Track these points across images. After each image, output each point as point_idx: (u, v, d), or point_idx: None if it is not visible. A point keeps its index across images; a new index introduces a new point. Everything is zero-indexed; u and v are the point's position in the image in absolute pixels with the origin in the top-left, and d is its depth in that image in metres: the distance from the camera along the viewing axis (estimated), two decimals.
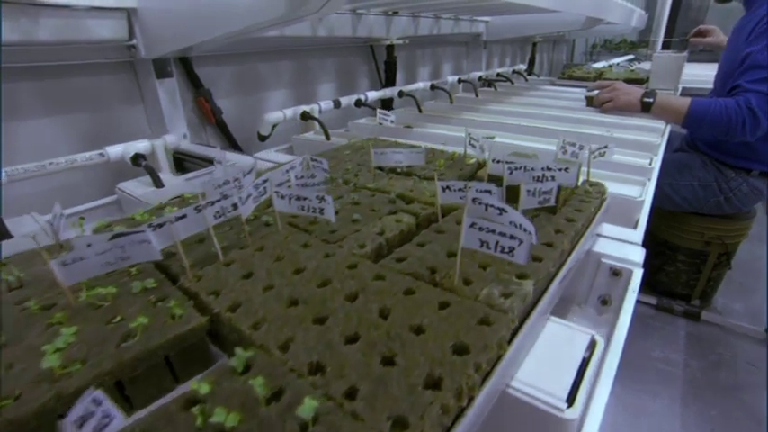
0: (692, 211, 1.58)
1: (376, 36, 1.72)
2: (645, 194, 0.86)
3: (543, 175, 0.61)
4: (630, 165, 0.97)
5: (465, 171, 0.79)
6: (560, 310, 0.63)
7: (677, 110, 1.34)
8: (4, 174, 0.75)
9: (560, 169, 0.60)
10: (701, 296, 1.75)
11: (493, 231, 0.41)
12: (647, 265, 2.04)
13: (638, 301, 1.85)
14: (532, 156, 0.78)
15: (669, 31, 5.73)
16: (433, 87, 1.59)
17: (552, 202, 0.56)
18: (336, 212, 0.61)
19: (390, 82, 1.91)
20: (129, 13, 1.03)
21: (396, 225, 0.58)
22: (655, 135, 1.17)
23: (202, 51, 1.31)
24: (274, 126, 1.09)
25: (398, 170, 0.78)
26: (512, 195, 0.57)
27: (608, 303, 0.63)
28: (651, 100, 1.38)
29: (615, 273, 0.64)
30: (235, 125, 1.44)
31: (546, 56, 3.80)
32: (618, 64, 2.99)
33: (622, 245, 0.69)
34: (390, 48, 1.84)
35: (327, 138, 1.02)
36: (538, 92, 1.92)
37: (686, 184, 1.50)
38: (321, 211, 0.51)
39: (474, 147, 0.78)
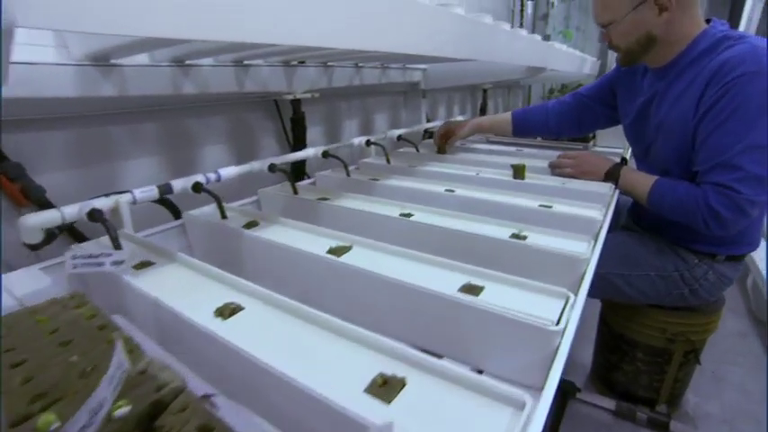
0: (650, 304, 1.29)
1: (273, 90, 1.43)
2: (530, 424, 0.37)
3: None
4: (524, 322, 0.49)
5: (127, 425, 0.32)
6: None
7: (640, 195, 1.18)
8: None
9: None
10: (668, 398, 1.45)
11: None
12: (603, 360, 1.66)
13: (593, 405, 1.53)
14: None
15: None
16: (325, 155, 1.29)
17: None
18: None
19: (300, 141, 1.62)
20: None
21: None
22: (584, 239, 0.76)
23: (9, 115, 0.99)
24: (58, 229, 0.76)
25: None
26: None
27: None
28: (614, 185, 1.18)
29: None
30: None
31: (501, 101, 3.63)
32: None
33: None
34: (296, 102, 1.56)
35: (115, 246, 0.70)
36: (466, 154, 1.65)
37: (641, 275, 1.22)
38: None
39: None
